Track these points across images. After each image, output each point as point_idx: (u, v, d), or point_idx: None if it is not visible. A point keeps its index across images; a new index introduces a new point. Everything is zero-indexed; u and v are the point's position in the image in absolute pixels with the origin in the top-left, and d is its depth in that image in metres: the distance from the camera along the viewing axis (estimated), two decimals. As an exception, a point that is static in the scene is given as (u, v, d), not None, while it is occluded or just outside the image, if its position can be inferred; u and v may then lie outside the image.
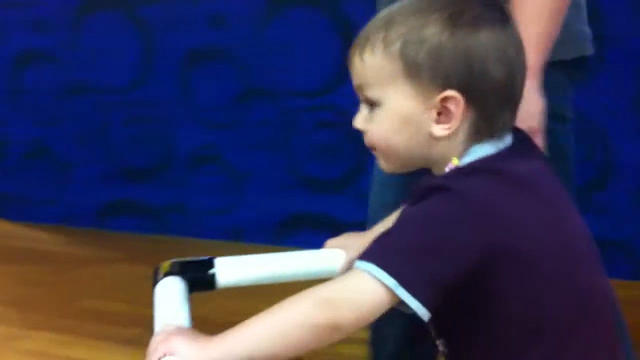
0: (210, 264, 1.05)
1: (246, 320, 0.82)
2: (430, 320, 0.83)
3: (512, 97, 0.88)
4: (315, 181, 3.17)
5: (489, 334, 0.86)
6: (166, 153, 3.44)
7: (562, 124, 1.17)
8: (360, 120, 0.92)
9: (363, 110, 0.92)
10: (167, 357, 0.80)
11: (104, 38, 3.41)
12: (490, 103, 0.86)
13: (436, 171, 0.91)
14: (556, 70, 1.12)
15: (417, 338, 1.27)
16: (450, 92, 0.85)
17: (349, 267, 0.95)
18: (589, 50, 1.26)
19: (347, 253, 1.07)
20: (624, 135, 2.68)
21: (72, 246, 3.45)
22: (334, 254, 1.10)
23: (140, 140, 3.47)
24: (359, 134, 0.93)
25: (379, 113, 0.89)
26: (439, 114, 0.86)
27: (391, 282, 0.78)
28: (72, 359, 2.30)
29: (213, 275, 1.04)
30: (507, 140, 0.90)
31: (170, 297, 0.97)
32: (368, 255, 0.82)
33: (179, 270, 1.03)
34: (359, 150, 1.12)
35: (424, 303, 0.79)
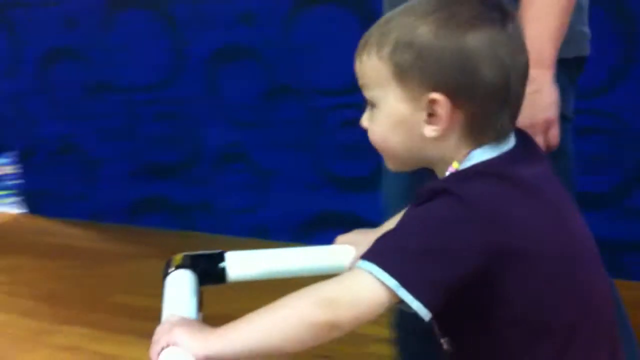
0: (221, 257, 1.06)
1: (248, 314, 0.83)
2: (435, 319, 0.83)
3: (508, 99, 0.86)
4: (341, 180, 3.15)
5: (492, 334, 0.86)
6: (194, 151, 3.45)
7: (562, 123, 1.15)
8: (364, 120, 0.94)
9: (367, 110, 0.93)
10: (169, 348, 0.82)
11: (133, 36, 3.41)
12: (484, 105, 0.85)
13: (438, 173, 0.91)
14: (557, 69, 1.11)
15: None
16: (434, 95, 0.84)
17: (358, 264, 0.96)
18: (587, 50, 1.27)
19: (357, 249, 1.08)
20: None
21: (104, 242, 3.47)
22: (344, 250, 1.11)
23: (168, 138, 3.48)
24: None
25: (378, 113, 0.91)
26: (429, 115, 0.86)
27: (393, 283, 0.79)
28: (103, 353, 2.32)
29: (223, 269, 1.06)
30: (509, 143, 0.89)
31: (180, 289, 0.98)
32: (370, 255, 0.82)
33: (190, 263, 1.05)
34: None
35: (426, 304, 0.79)
